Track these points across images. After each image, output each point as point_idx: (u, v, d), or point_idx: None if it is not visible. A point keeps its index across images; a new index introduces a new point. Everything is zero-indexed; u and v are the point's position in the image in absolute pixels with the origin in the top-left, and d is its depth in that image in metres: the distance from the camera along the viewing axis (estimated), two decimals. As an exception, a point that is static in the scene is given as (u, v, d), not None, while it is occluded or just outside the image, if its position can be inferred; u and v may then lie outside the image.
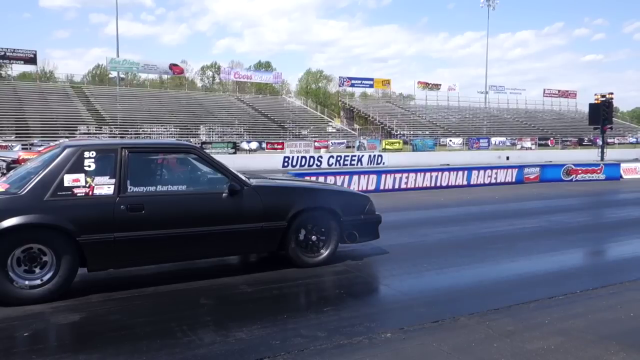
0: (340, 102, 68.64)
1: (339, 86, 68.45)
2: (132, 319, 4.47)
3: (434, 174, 15.96)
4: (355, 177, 14.44)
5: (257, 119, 52.29)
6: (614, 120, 37.37)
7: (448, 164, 20.64)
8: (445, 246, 7.61)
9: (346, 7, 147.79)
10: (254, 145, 39.40)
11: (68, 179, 4.89)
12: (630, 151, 36.98)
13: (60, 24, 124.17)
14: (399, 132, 52.93)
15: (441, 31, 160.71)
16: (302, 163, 28.07)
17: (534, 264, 6.74)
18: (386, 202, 12.57)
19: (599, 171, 19.13)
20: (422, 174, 15.73)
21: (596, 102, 24.08)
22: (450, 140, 48.37)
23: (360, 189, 14.08)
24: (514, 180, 17.24)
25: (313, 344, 3.91)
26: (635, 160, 26.88)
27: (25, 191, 4.77)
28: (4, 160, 13.59)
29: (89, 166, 5.00)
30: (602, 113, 23.52)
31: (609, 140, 46.10)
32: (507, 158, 31.39)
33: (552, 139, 53.20)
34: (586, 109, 25.93)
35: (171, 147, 6.31)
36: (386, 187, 14.79)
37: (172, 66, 57.72)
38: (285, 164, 27.85)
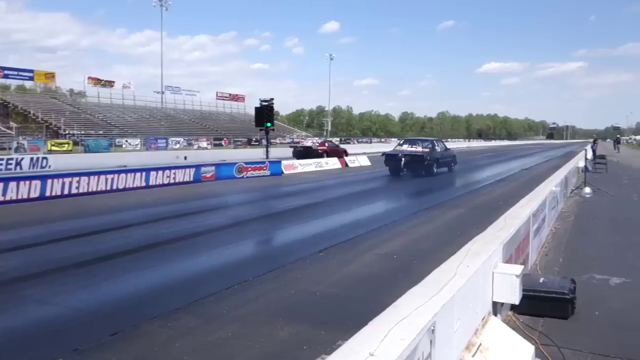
0: (-11, 96, 57.94)
1: (-13, 76, 57.70)
2: None
3: (110, 176, 15.10)
4: (13, 184, 12.43)
5: None
6: (276, 122, 42.62)
7: (125, 166, 19.87)
8: (126, 251, 7.30)
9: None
10: None
11: None
12: (289, 150, 42.84)
13: None
14: (68, 132, 48.13)
15: (119, 26, 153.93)
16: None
17: (213, 258, 7.12)
18: (54, 210, 11.30)
19: (265, 168, 21.55)
20: (96, 176, 14.69)
21: (260, 106, 27.04)
22: (127, 141, 46.75)
23: (19, 197, 12.24)
24: (192, 179, 17.82)
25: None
26: (293, 157, 31.27)
27: None
28: None
29: None
30: (265, 116, 26.55)
31: (272, 140, 52.35)
32: (185, 158, 32.21)
33: (225, 139, 57.25)
34: (253, 112, 28.74)
35: None
36: (54, 194, 13.23)
37: None
38: None
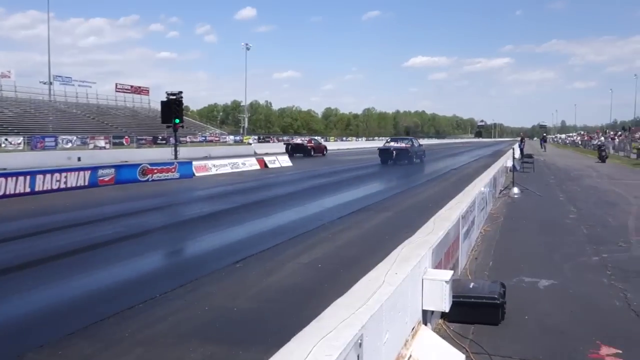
0: None
1: None
2: None
3: (-14, 181, 14.10)
4: None
5: None
6: (186, 118, 41.76)
7: (5, 169, 18.63)
8: (6, 269, 6.84)
9: None
10: None
11: None
12: (201, 149, 42.13)
13: None
14: None
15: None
16: None
17: (113, 273, 6.85)
18: None
19: (173, 170, 21.04)
20: (-31, 182, 13.66)
21: (168, 100, 26.36)
22: (7, 140, 43.82)
23: None
24: (87, 183, 17.02)
25: None
26: (205, 158, 30.80)
27: None
28: None
29: None
30: (173, 111, 25.93)
31: (181, 139, 51.16)
32: (79, 159, 30.73)
33: (127, 137, 55.22)
34: (159, 107, 28.00)
35: None
36: None
37: None
38: None
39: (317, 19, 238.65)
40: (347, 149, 63.69)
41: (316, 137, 58.04)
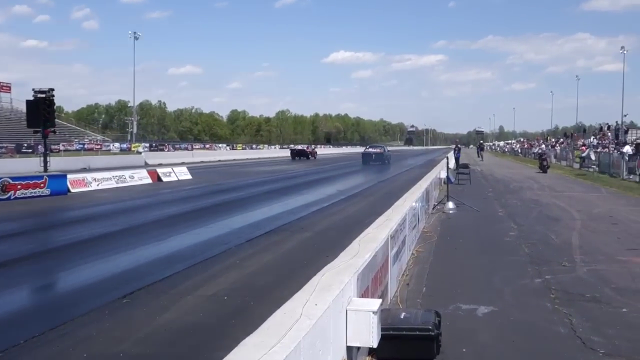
0: None
1: None
2: None
3: None
4: None
5: None
6: (59, 122, 40.24)
7: None
8: None
9: None
10: None
11: None
12: (78, 159, 40.60)
13: None
14: None
15: None
16: None
17: (-39, 317, 6.43)
18: None
19: (42, 185, 20.11)
20: None
21: (35, 98, 25.25)
22: None
23: None
24: None
25: None
26: (84, 170, 29.77)
27: None
28: None
29: None
30: (42, 113, 24.87)
31: (53, 147, 49.19)
32: None
33: (-18, 144, 52.41)
34: (24, 107, 26.86)
35: None
36: None
37: None
38: None
39: (222, 4, 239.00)
40: (258, 158, 63.81)
41: (312, 145, 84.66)
